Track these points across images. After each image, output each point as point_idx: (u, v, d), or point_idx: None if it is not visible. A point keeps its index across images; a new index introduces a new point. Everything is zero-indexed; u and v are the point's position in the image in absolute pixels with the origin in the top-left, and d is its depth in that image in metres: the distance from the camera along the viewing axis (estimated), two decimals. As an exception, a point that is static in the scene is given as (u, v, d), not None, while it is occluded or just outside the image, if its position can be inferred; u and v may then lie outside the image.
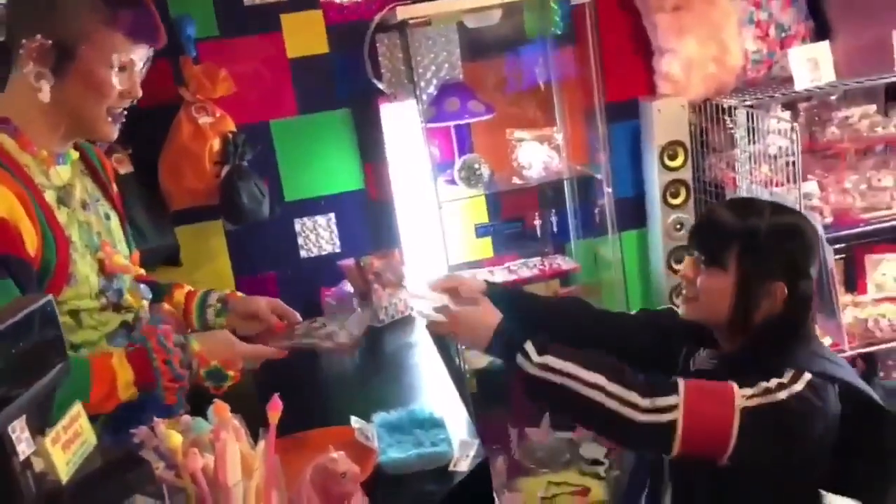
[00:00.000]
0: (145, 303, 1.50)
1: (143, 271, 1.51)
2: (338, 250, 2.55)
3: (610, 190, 2.46)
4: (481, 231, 2.65)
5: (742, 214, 1.36)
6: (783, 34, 2.49)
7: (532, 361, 1.31)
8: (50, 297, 0.98)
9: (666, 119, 2.48)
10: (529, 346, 1.32)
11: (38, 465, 0.90)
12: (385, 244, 2.39)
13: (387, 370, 1.83)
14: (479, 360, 2.47)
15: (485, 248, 2.68)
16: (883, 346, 2.48)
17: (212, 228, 2.47)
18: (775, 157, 2.25)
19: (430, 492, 1.32)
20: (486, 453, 1.41)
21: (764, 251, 1.33)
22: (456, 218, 2.58)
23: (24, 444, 0.86)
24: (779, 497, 1.38)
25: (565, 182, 2.61)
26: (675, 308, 1.52)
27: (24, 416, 0.87)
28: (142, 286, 1.50)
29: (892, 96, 2.54)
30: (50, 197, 1.31)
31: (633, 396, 1.25)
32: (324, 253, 2.55)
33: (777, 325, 1.35)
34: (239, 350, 1.43)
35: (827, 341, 2.23)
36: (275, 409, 1.09)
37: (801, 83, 2.32)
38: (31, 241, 1.24)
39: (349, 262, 2.21)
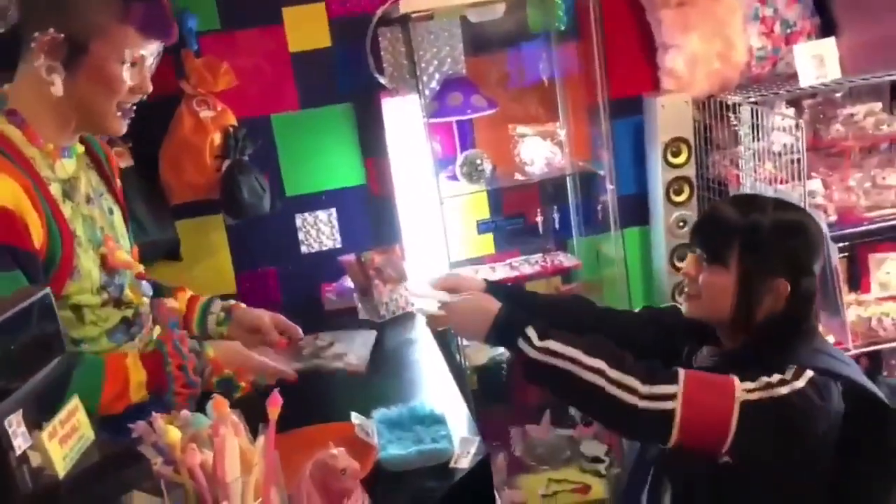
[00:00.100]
0: (146, 300, 1.50)
1: (141, 268, 1.50)
2: (339, 246, 2.54)
3: (613, 186, 2.45)
4: (483, 227, 2.64)
5: (744, 210, 1.35)
6: (788, 30, 2.48)
7: (534, 345, 1.31)
8: (48, 290, 0.97)
9: (669, 115, 2.47)
10: (531, 331, 1.31)
11: (35, 459, 0.89)
12: (386, 240, 2.38)
13: (387, 366, 1.82)
14: (480, 356, 2.46)
15: (486, 244, 2.67)
16: (887, 345, 2.47)
17: (212, 223, 2.46)
18: (779, 154, 2.23)
19: (430, 489, 1.32)
20: (487, 450, 1.41)
21: (766, 247, 1.32)
22: (457, 214, 2.57)
23: (20, 439, 0.86)
24: (780, 497, 1.37)
25: (568, 178, 2.60)
26: (679, 306, 1.51)
27: (20, 410, 0.87)
28: (143, 283, 1.50)
29: (898, 94, 2.52)
30: (55, 190, 1.31)
31: (634, 382, 1.25)
32: (325, 248, 2.54)
33: (779, 322, 1.34)
34: (253, 362, 1.43)
35: (830, 339, 2.22)
36: (274, 405, 1.09)
37: (806, 80, 2.30)
38: (37, 234, 1.24)
39: (350, 257, 2.21)
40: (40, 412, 0.92)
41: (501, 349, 2.25)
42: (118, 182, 1.54)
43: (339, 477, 1.12)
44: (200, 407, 1.24)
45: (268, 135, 2.43)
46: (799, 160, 2.16)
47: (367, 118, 2.46)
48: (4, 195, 1.19)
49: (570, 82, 2.56)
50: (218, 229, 2.48)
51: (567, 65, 2.54)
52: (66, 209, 1.32)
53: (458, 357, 2.40)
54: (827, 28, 2.49)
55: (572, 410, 2.59)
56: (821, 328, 2.22)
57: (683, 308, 1.45)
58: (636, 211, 2.66)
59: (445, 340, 2.05)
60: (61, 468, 0.89)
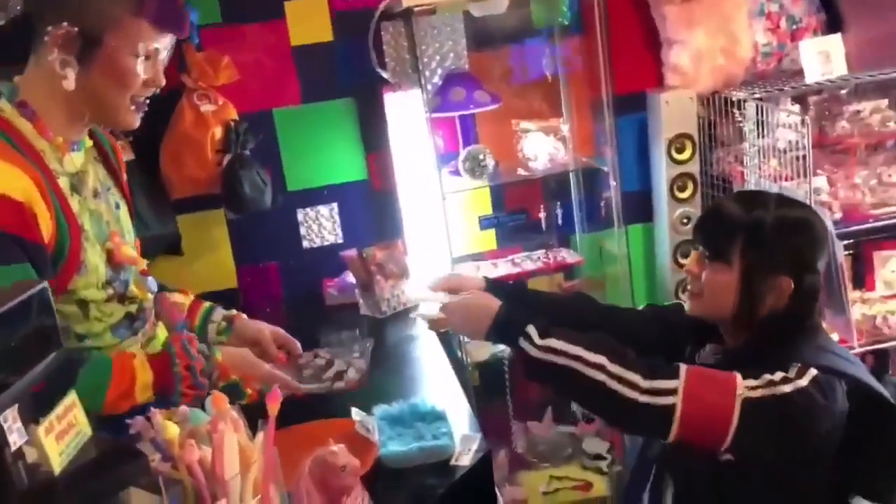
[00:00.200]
0: (150, 295, 1.50)
1: (145, 263, 1.50)
2: (340, 241, 2.53)
3: (616, 183, 2.44)
4: (485, 223, 2.63)
5: (748, 207, 1.34)
6: (794, 26, 2.46)
7: (535, 344, 1.30)
8: (45, 284, 0.96)
9: (674, 111, 2.45)
10: (532, 329, 1.30)
11: (31, 455, 0.88)
12: (388, 235, 2.37)
13: (388, 362, 1.82)
14: (482, 352, 2.45)
15: (488, 240, 2.66)
16: (892, 343, 2.46)
17: (213, 217, 2.45)
18: (784, 151, 2.22)
19: (431, 486, 1.31)
20: (489, 447, 1.40)
21: (769, 244, 1.31)
22: (460, 209, 2.56)
23: (15, 434, 0.85)
24: (782, 496, 1.36)
25: (571, 174, 2.59)
26: (683, 303, 1.50)
27: (16, 406, 0.85)
28: (149, 279, 1.50)
29: (904, 90, 2.50)
30: (63, 184, 1.31)
31: (635, 377, 1.24)
32: (326, 243, 2.53)
33: (782, 320, 1.33)
34: (261, 371, 1.43)
35: (835, 338, 2.21)
36: (274, 401, 1.08)
37: (812, 76, 2.28)
38: (46, 227, 1.23)
39: (351, 252, 2.20)
40: (37, 408, 0.91)
41: (503, 346, 2.25)
42: (124, 176, 1.54)
43: (339, 474, 1.12)
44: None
45: (269, 129, 2.42)
46: (804, 157, 2.15)
47: (369, 113, 2.44)
48: (14, 187, 1.19)
49: (574, 78, 2.54)
50: (219, 224, 2.47)
51: (571, 60, 2.53)
52: (74, 203, 1.32)
53: (459, 353, 2.39)
54: (833, 24, 2.47)
55: (574, 407, 2.59)
56: (826, 326, 2.22)
57: (686, 306, 1.45)
58: (640, 207, 2.64)
59: (447, 337, 2.04)
60: (57, 464, 0.88)
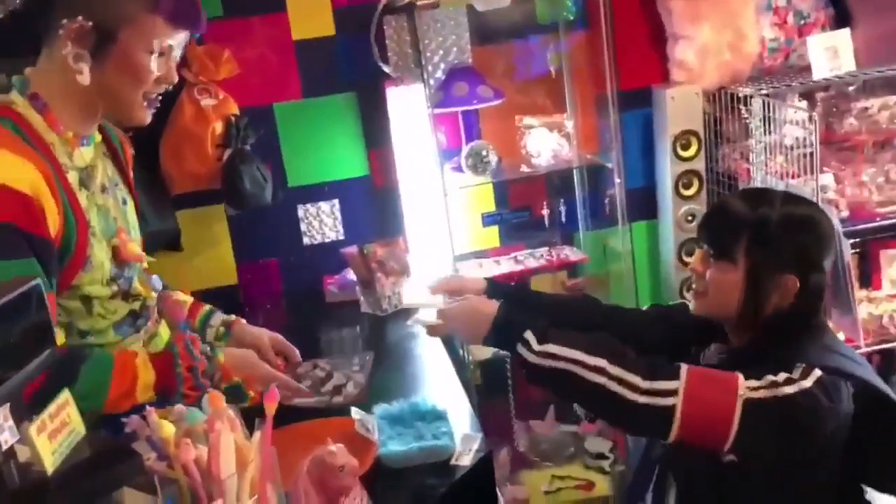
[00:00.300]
0: (154, 294, 1.49)
1: (147, 262, 1.48)
2: (341, 237, 2.51)
3: (620, 180, 2.42)
4: (488, 220, 2.61)
5: (753, 204, 1.33)
6: (802, 21, 2.44)
7: (533, 350, 1.28)
8: (38, 281, 0.95)
9: (679, 108, 2.43)
10: (530, 335, 1.29)
11: (23, 454, 0.86)
12: (389, 232, 2.36)
13: (389, 360, 1.80)
14: (484, 350, 2.43)
15: (491, 237, 2.64)
16: (898, 343, 2.44)
17: (213, 213, 2.43)
18: (791, 147, 2.20)
19: (431, 486, 1.30)
20: (490, 447, 1.39)
21: (774, 242, 1.30)
22: (462, 206, 2.54)
23: (7, 433, 0.84)
24: (786, 497, 1.35)
25: (575, 171, 2.57)
26: (688, 303, 1.49)
27: (7, 405, 0.84)
28: (153, 277, 1.49)
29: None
30: (72, 178, 1.30)
31: (635, 378, 1.23)
32: (327, 240, 2.52)
33: (787, 318, 1.32)
34: (264, 373, 1.42)
35: (841, 337, 2.19)
36: (271, 400, 1.06)
37: (820, 72, 2.26)
38: (54, 222, 1.23)
39: (352, 249, 2.18)
40: (31, 406, 0.89)
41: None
42: (132, 173, 1.53)
43: (338, 474, 1.10)
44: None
45: (270, 124, 2.40)
46: (811, 154, 2.12)
47: (371, 108, 2.42)
48: (23, 180, 1.18)
49: (578, 73, 2.52)
50: (219, 220, 2.45)
51: (575, 55, 2.51)
52: (82, 198, 1.31)
53: (461, 352, 2.37)
54: (841, 19, 2.45)
55: (576, 406, 2.57)
56: (832, 326, 2.20)
57: (691, 305, 1.43)
58: (644, 204, 2.62)
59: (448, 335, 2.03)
60: (50, 464, 0.86)
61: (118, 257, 1.36)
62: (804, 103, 2.35)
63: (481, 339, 1.36)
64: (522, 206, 2.62)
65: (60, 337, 1.25)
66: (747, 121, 2.33)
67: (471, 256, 2.58)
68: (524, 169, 2.45)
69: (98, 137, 1.40)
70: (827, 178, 2.31)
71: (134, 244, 1.41)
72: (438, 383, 1.68)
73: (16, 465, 0.85)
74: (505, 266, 2.52)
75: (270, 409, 1.06)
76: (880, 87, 2.41)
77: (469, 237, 2.60)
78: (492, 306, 1.36)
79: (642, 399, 1.22)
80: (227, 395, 1.32)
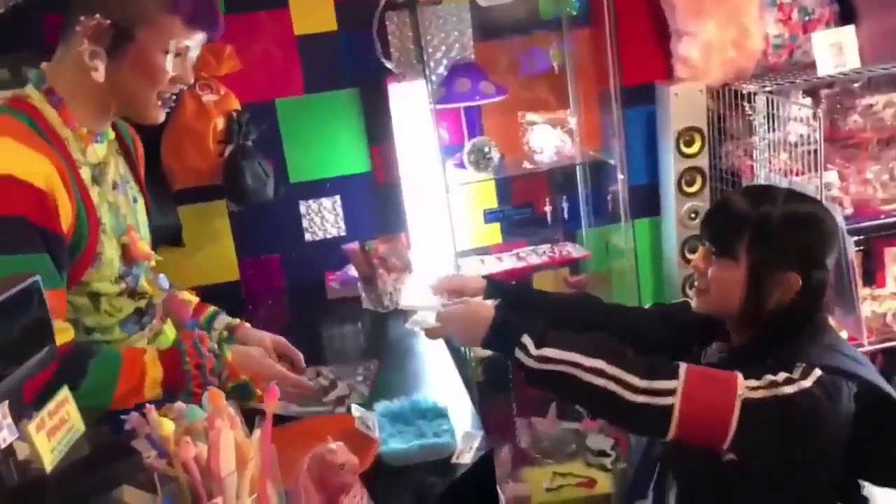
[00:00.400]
0: (161, 293, 1.50)
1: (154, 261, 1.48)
2: (343, 234, 2.51)
3: (623, 176, 2.41)
4: (490, 216, 2.60)
5: (755, 202, 1.32)
6: (806, 18, 2.42)
7: (531, 355, 1.28)
8: (37, 277, 0.94)
9: (683, 104, 2.42)
10: (527, 339, 1.28)
11: (23, 452, 0.86)
12: (391, 228, 2.35)
13: (390, 357, 1.79)
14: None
15: (493, 233, 2.64)
16: (902, 342, 2.43)
17: (215, 209, 2.43)
18: (795, 145, 2.19)
19: (431, 484, 1.30)
20: (490, 445, 1.38)
21: (776, 240, 1.29)
22: (464, 202, 2.53)
23: (5, 431, 0.83)
24: (787, 497, 1.34)
25: (577, 167, 2.56)
26: (690, 301, 1.48)
27: (6, 402, 0.83)
28: (160, 276, 1.50)
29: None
30: (85, 174, 1.30)
31: (633, 379, 1.23)
32: (329, 236, 2.51)
33: (787, 315, 1.31)
34: (272, 371, 1.42)
35: (844, 335, 2.18)
36: (271, 398, 1.06)
37: (825, 69, 2.25)
38: (66, 217, 1.23)
39: (354, 246, 2.18)
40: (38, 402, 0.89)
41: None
42: (142, 170, 1.54)
43: (338, 472, 1.10)
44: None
45: (272, 120, 2.40)
46: (815, 151, 2.11)
47: (373, 104, 2.42)
48: (37, 175, 1.18)
49: (581, 69, 2.51)
50: (221, 215, 2.45)
51: (578, 51, 2.50)
52: (94, 194, 1.31)
53: (462, 349, 2.37)
54: (846, 16, 2.44)
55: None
56: (835, 324, 2.18)
57: (693, 303, 1.43)
58: (647, 201, 2.62)
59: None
60: (49, 461, 0.86)
61: (127, 255, 1.37)
62: (808, 100, 2.34)
63: (479, 342, 1.35)
64: (525, 203, 2.61)
65: (70, 332, 1.25)
66: (751, 118, 2.32)
67: (473, 253, 2.58)
68: (526, 165, 2.44)
69: (111, 134, 1.41)
70: (831, 176, 2.30)
71: (143, 242, 1.42)
72: (440, 381, 1.67)
73: (15, 463, 0.85)
74: (507, 263, 2.51)
75: (270, 406, 1.05)
76: (885, 84, 2.40)
77: (471, 234, 2.59)
78: (489, 310, 1.35)
79: (641, 399, 1.22)
80: (235, 393, 1.33)
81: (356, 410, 1.39)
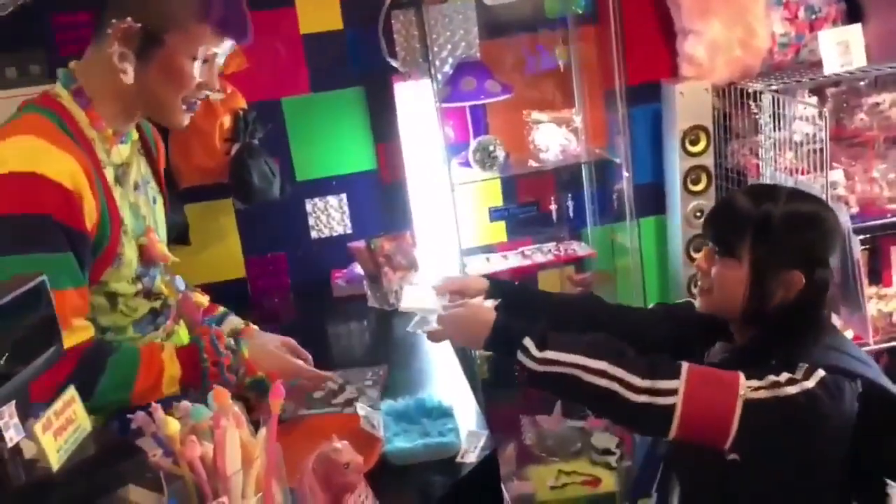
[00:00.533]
0: (178, 294, 1.51)
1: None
2: (349, 231, 2.51)
3: (629, 175, 2.41)
4: (495, 215, 2.60)
5: (757, 201, 1.32)
6: (813, 16, 2.42)
7: (533, 357, 1.28)
8: (44, 277, 0.95)
9: (688, 103, 2.42)
10: (529, 342, 1.28)
11: (29, 451, 0.87)
12: (397, 226, 2.35)
13: (395, 356, 1.80)
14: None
15: (498, 232, 2.64)
16: (907, 341, 2.42)
17: (221, 207, 2.44)
18: (801, 144, 2.18)
19: (436, 483, 1.30)
20: (495, 444, 1.39)
21: (778, 238, 1.29)
22: (469, 201, 2.54)
23: (12, 430, 0.84)
24: (790, 498, 1.34)
25: (583, 166, 2.56)
26: (693, 301, 1.48)
27: (13, 402, 0.84)
28: (177, 278, 1.51)
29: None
30: (109, 175, 1.32)
31: (635, 379, 1.23)
32: (335, 234, 2.52)
33: (790, 313, 1.31)
34: (289, 366, 1.43)
35: (849, 335, 2.17)
36: (276, 397, 1.06)
37: (831, 67, 2.24)
38: (90, 216, 1.24)
39: (359, 244, 2.18)
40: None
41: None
42: (162, 170, 1.55)
43: (343, 471, 1.10)
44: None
45: (278, 118, 2.40)
46: (821, 150, 2.11)
47: (379, 102, 2.42)
48: (64, 174, 1.19)
49: (587, 68, 2.51)
50: (227, 214, 2.45)
51: (584, 50, 2.49)
52: (117, 195, 1.32)
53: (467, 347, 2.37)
54: (853, 14, 2.43)
55: (581, 403, 2.57)
56: (841, 323, 2.18)
57: (696, 303, 1.42)
58: (652, 200, 2.61)
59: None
60: (55, 461, 0.87)
61: (145, 256, 1.38)
62: (814, 99, 2.33)
63: (480, 345, 1.36)
64: (530, 201, 2.61)
65: (90, 330, 1.26)
66: (757, 116, 2.31)
67: (478, 251, 2.58)
68: (532, 164, 2.44)
69: (135, 135, 1.42)
70: (837, 175, 2.29)
71: (162, 244, 1.43)
72: (445, 379, 1.68)
73: (21, 462, 0.85)
74: (512, 261, 2.52)
75: (276, 405, 1.06)
76: (892, 83, 2.39)
77: (476, 232, 2.59)
78: (489, 312, 1.35)
79: (643, 398, 1.22)
80: (251, 389, 1.34)
81: (361, 409, 1.39)
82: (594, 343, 1.28)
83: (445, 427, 1.39)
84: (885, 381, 1.31)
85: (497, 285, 1.56)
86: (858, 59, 2.24)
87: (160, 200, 1.50)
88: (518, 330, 1.30)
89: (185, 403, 1.11)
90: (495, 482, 1.40)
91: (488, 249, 2.61)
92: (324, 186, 2.48)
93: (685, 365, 1.24)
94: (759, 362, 1.26)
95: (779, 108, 2.22)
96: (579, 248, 2.57)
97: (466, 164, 2.42)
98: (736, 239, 1.31)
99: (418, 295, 1.56)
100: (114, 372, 1.24)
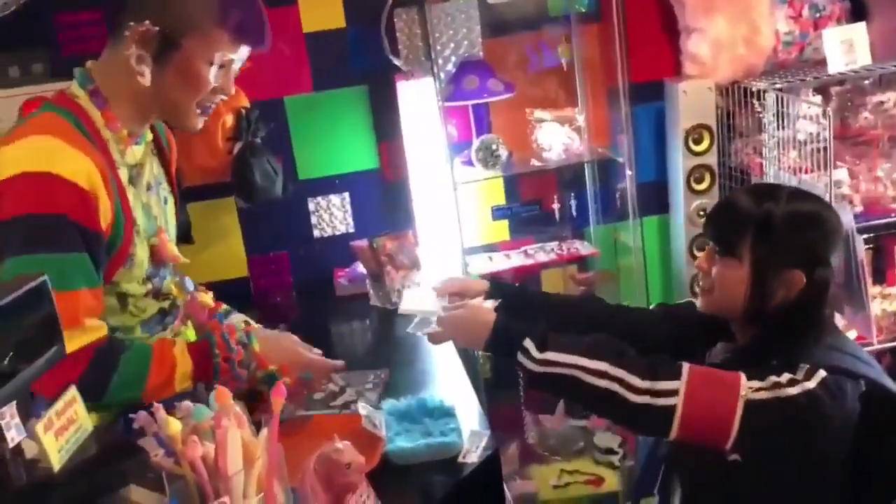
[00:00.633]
0: (187, 295, 1.51)
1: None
2: (352, 230, 2.51)
3: (632, 174, 2.40)
4: (498, 213, 2.60)
5: (757, 201, 1.32)
6: (817, 14, 2.40)
7: (534, 359, 1.28)
8: (45, 277, 0.95)
9: (692, 101, 2.41)
10: (529, 343, 1.28)
11: (31, 451, 0.87)
12: (399, 225, 2.35)
13: (397, 355, 1.80)
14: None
15: (501, 230, 2.63)
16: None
17: (224, 206, 2.44)
18: (805, 142, 2.17)
19: (437, 483, 1.30)
20: (497, 443, 1.38)
21: (778, 238, 1.29)
22: (472, 200, 2.53)
23: (13, 431, 0.84)
24: (791, 499, 1.34)
25: (586, 165, 2.55)
26: (694, 301, 1.48)
27: (14, 402, 0.84)
28: (186, 279, 1.51)
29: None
30: (123, 175, 1.32)
31: (636, 380, 1.23)
32: (337, 233, 2.51)
33: (791, 314, 1.30)
34: (300, 359, 1.43)
35: (853, 335, 2.17)
36: (278, 396, 1.06)
37: (835, 66, 2.23)
38: (105, 217, 1.25)
39: (362, 243, 2.18)
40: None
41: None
42: (174, 170, 1.55)
43: (344, 471, 1.10)
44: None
45: (281, 117, 2.40)
46: (825, 149, 2.10)
47: (382, 101, 2.41)
48: (80, 174, 1.20)
49: (590, 66, 2.50)
50: (230, 212, 2.45)
51: (587, 48, 2.49)
52: (130, 196, 1.33)
53: (470, 345, 2.37)
54: (857, 12, 2.42)
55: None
56: (845, 323, 2.17)
57: (698, 303, 1.42)
58: (655, 199, 2.61)
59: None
60: (56, 461, 0.87)
61: (156, 257, 1.38)
62: (818, 98, 2.32)
63: (481, 346, 1.36)
64: (533, 200, 2.61)
65: (104, 329, 1.27)
66: (760, 115, 2.30)
67: (480, 250, 2.57)
68: (535, 163, 2.43)
69: (149, 136, 1.43)
70: (841, 174, 2.28)
71: (172, 245, 1.43)
72: (447, 379, 1.67)
73: (23, 462, 0.85)
74: (515, 260, 2.51)
75: (277, 404, 1.06)
76: (896, 82, 2.38)
77: (479, 231, 2.59)
78: (489, 314, 1.35)
79: (644, 399, 1.22)
80: (265, 383, 1.34)
81: (363, 409, 1.39)
82: (594, 344, 1.28)
83: (447, 427, 1.39)
84: (888, 381, 1.31)
85: (497, 286, 1.56)
86: (863, 58, 2.22)
87: (171, 201, 1.50)
88: (518, 331, 1.30)
89: (187, 403, 1.11)
90: (497, 482, 1.39)
91: (491, 248, 2.61)
92: (326, 185, 2.48)
93: (686, 365, 1.24)
94: (760, 362, 1.26)
95: (783, 106, 2.21)
96: (582, 248, 2.57)
97: (469, 162, 2.42)
98: (737, 238, 1.31)
99: (418, 297, 1.56)
100: (126, 369, 1.24)
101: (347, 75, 2.41)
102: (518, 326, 1.31)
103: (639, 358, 1.26)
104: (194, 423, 1.07)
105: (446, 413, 1.43)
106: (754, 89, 2.31)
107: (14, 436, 0.83)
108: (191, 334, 1.54)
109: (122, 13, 1.29)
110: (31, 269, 1.09)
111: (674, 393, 1.21)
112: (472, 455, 1.33)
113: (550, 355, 1.27)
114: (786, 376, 1.21)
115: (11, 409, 0.84)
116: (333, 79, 2.40)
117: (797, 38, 2.42)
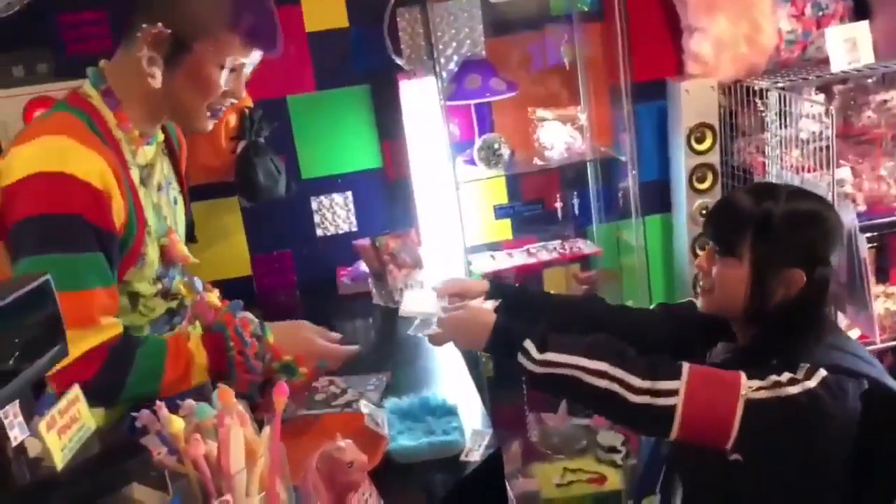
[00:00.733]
0: (196, 295, 1.52)
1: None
2: (355, 229, 2.51)
3: (634, 172, 2.40)
4: (500, 212, 2.60)
5: (757, 199, 1.32)
6: (820, 13, 2.40)
7: (534, 360, 1.28)
8: (48, 276, 0.95)
9: (694, 100, 2.41)
10: (529, 344, 1.28)
11: (34, 450, 0.87)
12: (402, 224, 2.35)
13: (400, 354, 1.80)
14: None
15: (503, 229, 2.63)
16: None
17: (227, 205, 2.44)
18: (807, 141, 2.17)
19: (440, 481, 1.30)
20: (500, 442, 1.38)
21: (778, 237, 1.29)
22: (474, 199, 2.53)
23: (16, 430, 0.84)
24: (793, 498, 1.34)
25: (588, 164, 2.55)
26: (695, 301, 1.48)
27: (17, 401, 0.85)
28: (195, 279, 1.51)
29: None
30: (134, 175, 1.33)
31: (636, 380, 1.23)
32: (340, 232, 2.52)
33: (791, 313, 1.31)
34: (315, 348, 1.43)
35: (855, 334, 2.16)
36: (281, 394, 1.06)
37: (838, 65, 2.23)
38: (119, 217, 1.26)
39: (364, 241, 2.18)
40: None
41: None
42: (184, 170, 1.56)
43: (346, 470, 1.10)
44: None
45: (284, 116, 2.40)
46: (827, 148, 2.10)
47: (384, 100, 2.42)
48: (94, 174, 1.21)
49: (592, 65, 2.50)
50: (233, 212, 2.46)
51: (589, 47, 2.49)
52: (141, 196, 1.34)
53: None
54: (860, 11, 2.42)
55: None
56: (847, 322, 2.17)
57: (698, 303, 1.42)
58: (658, 198, 2.60)
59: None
60: (59, 459, 0.87)
61: (166, 257, 1.39)
62: (821, 97, 2.31)
63: (481, 347, 1.36)
64: (535, 199, 2.61)
65: (119, 327, 1.27)
66: (763, 114, 2.30)
67: (483, 249, 2.57)
68: (537, 162, 2.43)
69: (161, 137, 1.43)
70: (844, 172, 2.27)
71: (182, 245, 1.44)
72: (449, 377, 1.68)
73: (26, 461, 0.86)
74: (517, 259, 2.51)
75: (280, 403, 1.06)
76: (900, 80, 2.38)
77: (481, 230, 2.59)
78: (489, 315, 1.35)
79: (644, 399, 1.22)
80: (280, 374, 1.34)
81: (365, 407, 1.39)
82: (595, 344, 1.28)
83: (450, 425, 1.39)
84: (889, 381, 1.31)
85: (497, 286, 1.57)
86: (866, 56, 2.22)
87: (181, 201, 1.51)
88: (518, 332, 1.30)
89: (190, 402, 1.12)
90: (500, 480, 1.40)
91: (493, 247, 2.61)
92: (329, 184, 2.48)
93: (686, 365, 1.24)
94: (760, 362, 1.26)
95: (785, 105, 2.20)
96: (584, 246, 2.57)
97: (471, 161, 2.42)
98: (736, 238, 1.31)
99: (418, 299, 1.56)
100: (142, 364, 1.25)
101: (350, 75, 2.41)
102: (518, 327, 1.32)
103: (639, 358, 1.26)
104: (197, 422, 1.07)
105: (449, 411, 1.44)
106: (757, 88, 2.31)
107: (17, 434, 0.84)
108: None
109: (134, 14, 1.29)
110: (46, 269, 1.10)
111: (674, 393, 1.21)
112: (475, 454, 1.33)
113: (550, 356, 1.27)
114: (786, 375, 1.21)
115: (14, 408, 0.84)
116: (336, 78, 2.41)
117: (800, 36, 2.41)
